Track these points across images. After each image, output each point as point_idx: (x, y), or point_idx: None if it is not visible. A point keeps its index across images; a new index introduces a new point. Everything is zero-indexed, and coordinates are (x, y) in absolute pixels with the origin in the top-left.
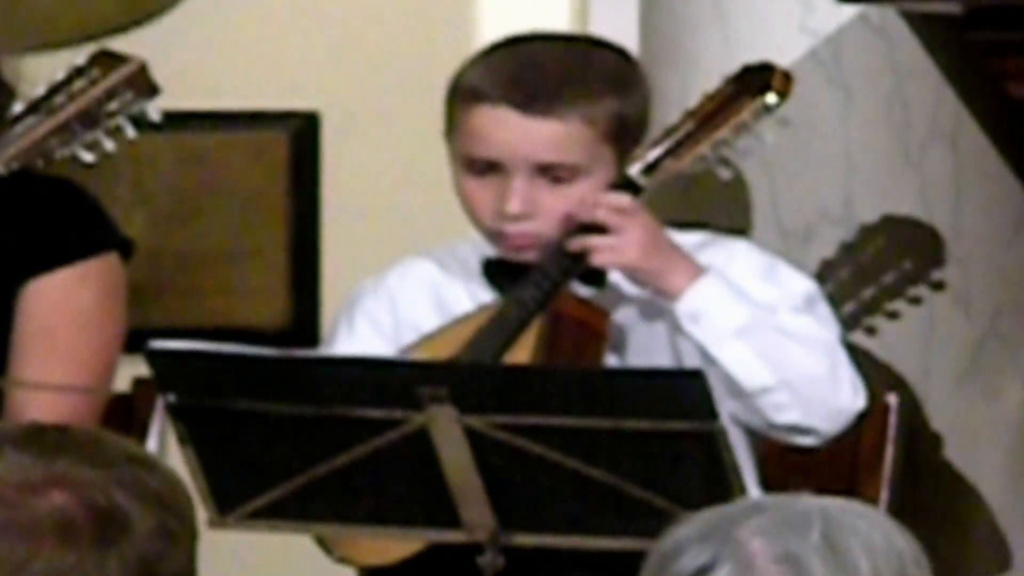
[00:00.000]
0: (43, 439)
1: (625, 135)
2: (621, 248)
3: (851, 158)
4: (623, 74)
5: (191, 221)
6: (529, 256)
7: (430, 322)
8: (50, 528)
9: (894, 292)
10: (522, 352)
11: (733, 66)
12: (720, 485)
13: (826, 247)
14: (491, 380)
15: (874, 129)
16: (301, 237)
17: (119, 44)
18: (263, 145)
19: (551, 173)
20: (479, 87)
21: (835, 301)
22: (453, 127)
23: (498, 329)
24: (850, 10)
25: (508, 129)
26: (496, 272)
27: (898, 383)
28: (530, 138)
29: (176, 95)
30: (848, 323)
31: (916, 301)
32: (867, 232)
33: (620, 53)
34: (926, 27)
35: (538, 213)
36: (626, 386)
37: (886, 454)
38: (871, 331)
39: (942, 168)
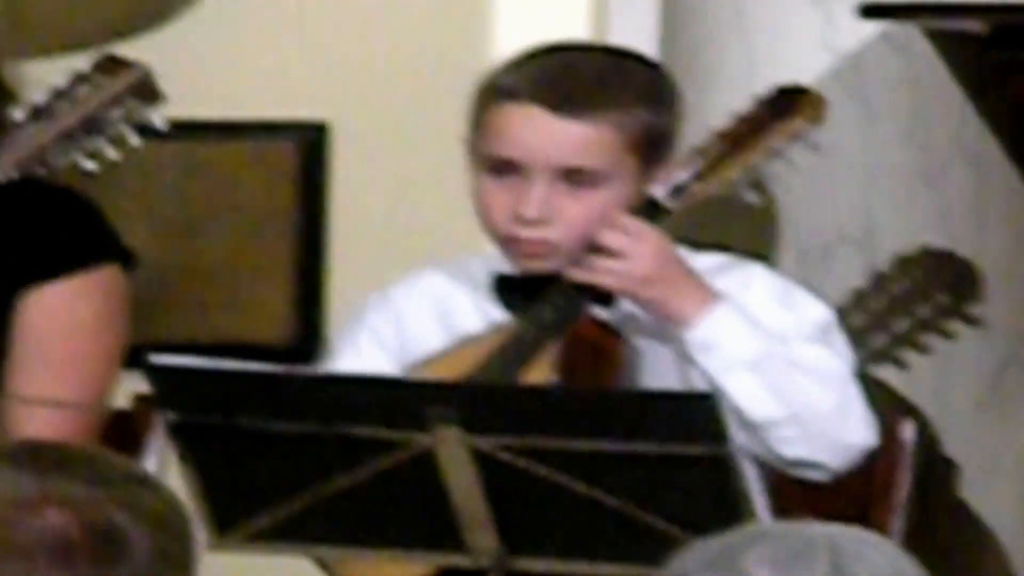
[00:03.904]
0: (40, 456)
1: (652, 149)
2: (625, 273)
3: (871, 177)
4: (658, 88)
5: (196, 233)
6: (541, 264)
7: (435, 338)
8: (46, 548)
9: (928, 326)
10: (537, 375)
11: (754, 82)
12: (729, 511)
13: (844, 268)
14: (498, 401)
15: (895, 148)
16: (308, 251)
17: (126, 51)
18: (271, 156)
19: (573, 178)
20: (509, 86)
21: (866, 332)
22: (477, 127)
23: (513, 351)
24: (872, 27)
25: (536, 128)
26: (506, 289)
27: (913, 409)
28: (557, 139)
29: (182, 104)
30: (878, 356)
31: (949, 335)
32: (903, 263)
33: (657, 68)
34: (949, 45)
35: (555, 219)
36: (635, 408)
37: (899, 482)
38: (900, 364)
39: (964, 189)
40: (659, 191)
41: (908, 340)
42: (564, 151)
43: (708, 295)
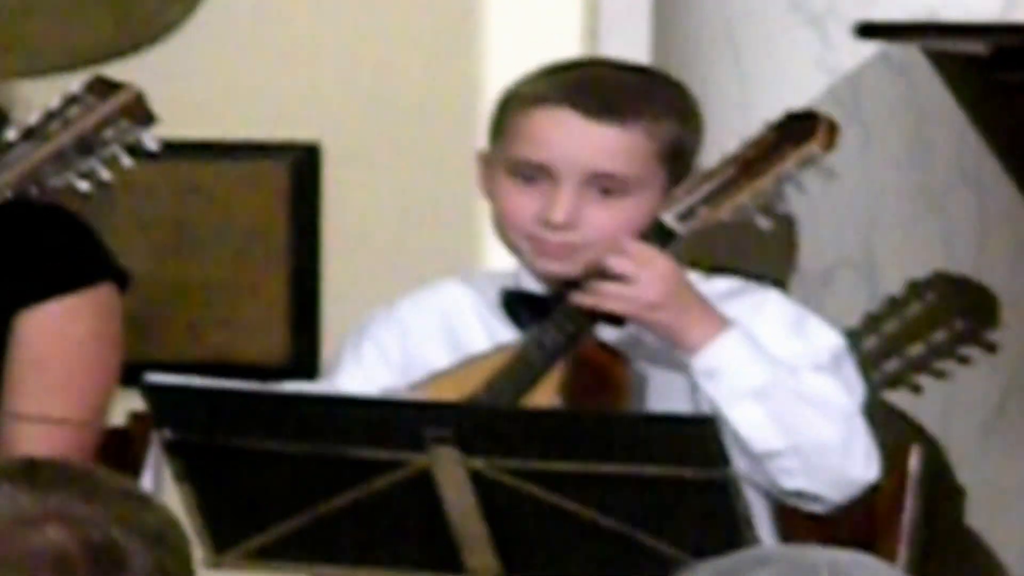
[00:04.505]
0: (39, 473)
1: (678, 163)
2: (633, 298)
3: (871, 200)
4: (686, 104)
5: (189, 253)
6: (560, 267)
7: (441, 355)
8: (45, 564)
9: (944, 351)
10: (541, 397)
11: (746, 102)
12: (730, 534)
13: (845, 292)
14: (496, 422)
15: (895, 170)
16: (301, 270)
17: (118, 71)
18: (263, 176)
19: (603, 184)
20: (540, 92)
21: (879, 356)
22: (502, 134)
23: (517, 372)
24: (870, 47)
25: (568, 132)
26: (515, 305)
27: (923, 434)
28: (589, 144)
29: (175, 124)
30: (893, 381)
31: (965, 361)
32: (916, 287)
33: (681, 85)
34: (949, 66)
35: (581, 225)
36: (633, 431)
37: (905, 508)
38: (916, 390)
39: (966, 211)
40: (668, 215)
41: (923, 365)
42: (595, 156)
43: (716, 321)
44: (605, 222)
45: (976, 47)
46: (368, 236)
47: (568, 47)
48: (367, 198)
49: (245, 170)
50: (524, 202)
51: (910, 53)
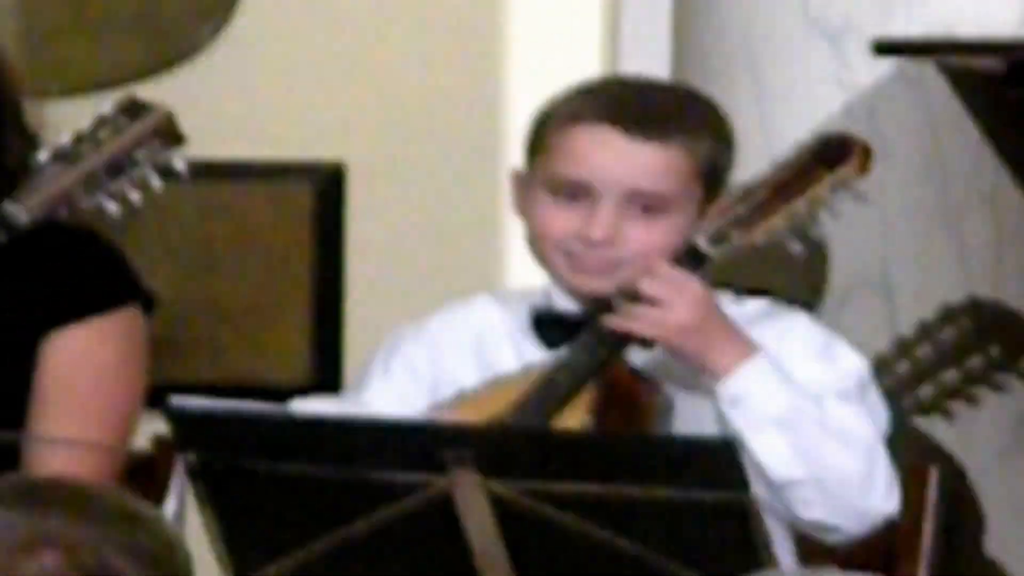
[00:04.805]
0: (34, 496)
1: (714, 181)
2: (662, 322)
3: (888, 218)
4: (720, 122)
5: (214, 274)
6: (598, 283)
7: (470, 374)
8: None
9: (978, 378)
10: (571, 421)
11: (765, 120)
12: (749, 558)
13: (862, 313)
14: (516, 444)
15: (911, 187)
16: (325, 291)
17: (145, 93)
18: (288, 197)
19: (642, 201)
20: (580, 109)
21: (912, 382)
22: (540, 151)
23: (546, 395)
24: (887, 64)
25: (609, 150)
26: (545, 324)
27: (946, 457)
28: (629, 161)
29: (200, 145)
30: (926, 407)
31: (999, 388)
32: (950, 313)
33: (716, 106)
34: (964, 83)
35: (620, 242)
36: (654, 454)
37: (924, 531)
38: (947, 415)
39: (981, 229)
40: (701, 238)
41: (957, 392)
42: (635, 174)
43: (743, 348)
44: (644, 239)
45: (991, 64)
46: (392, 256)
47: (589, 66)
48: (391, 218)
49: (270, 191)
50: (563, 219)
51: (926, 70)
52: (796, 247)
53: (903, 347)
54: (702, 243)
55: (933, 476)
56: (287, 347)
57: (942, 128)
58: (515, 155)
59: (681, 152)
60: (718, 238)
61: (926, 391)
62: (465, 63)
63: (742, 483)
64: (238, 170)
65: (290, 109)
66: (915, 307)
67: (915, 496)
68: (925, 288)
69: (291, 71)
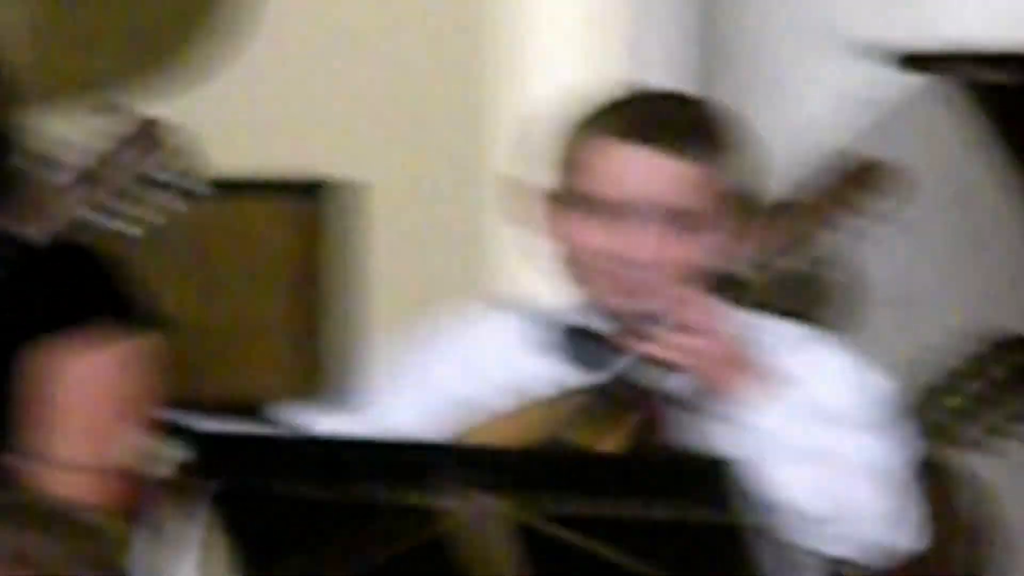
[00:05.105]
0: (10, 514)
1: (744, 197)
2: (696, 351)
3: (909, 235)
4: (746, 137)
5: (228, 294)
6: (636, 303)
7: (491, 385)
8: None
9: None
10: (611, 445)
11: (790, 135)
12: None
13: (882, 329)
14: (528, 466)
15: (933, 207)
16: (339, 310)
17: (158, 112)
18: (301, 215)
19: (677, 220)
20: (612, 128)
21: (961, 417)
22: (571, 169)
23: (578, 421)
24: (908, 78)
25: (645, 169)
26: (575, 341)
27: (975, 480)
28: (665, 180)
29: (215, 163)
30: (972, 442)
31: None
32: (1000, 347)
33: (740, 121)
34: (984, 96)
35: (660, 262)
36: (654, 472)
37: (953, 557)
38: (997, 453)
39: (1007, 247)
40: (736, 264)
41: (1006, 431)
42: (671, 192)
43: (774, 382)
44: (680, 257)
45: (1006, 77)
46: (399, 273)
47: (576, 75)
48: (397, 235)
49: (281, 208)
50: (601, 239)
51: (947, 83)
52: (828, 272)
53: (952, 380)
54: (737, 269)
55: (964, 499)
56: (300, 366)
57: (967, 143)
58: (500, 169)
59: (714, 169)
60: (752, 264)
61: (974, 427)
62: (482, 85)
63: (737, 502)
64: (241, 188)
65: (303, 128)
66: (937, 320)
67: (945, 519)
68: (946, 304)
69: (305, 90)
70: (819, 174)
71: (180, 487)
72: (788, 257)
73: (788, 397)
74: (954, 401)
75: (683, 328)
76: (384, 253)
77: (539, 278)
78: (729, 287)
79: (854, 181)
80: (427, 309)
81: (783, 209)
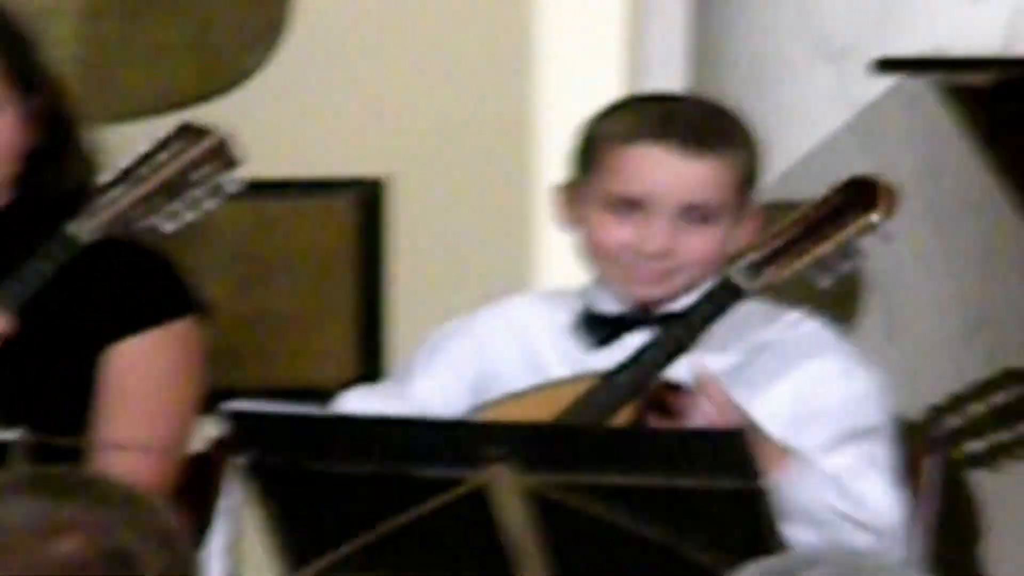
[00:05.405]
0: (50, 483)
1: (751, 189)
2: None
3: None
4: (753, 134)
5: (263, 285)
6: (656, 291)
7: (513, 372)
8: (64, 573)
9: None
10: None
11: (772, 134)
12: (758, 545)
13: (860, 314)
14: (547, 440)
15: (907, 199)
16: (367, 300)
17: (196, 115)
18: (331, 211)
19: (695, 213)
20: (632, 128)
21: (963, 435)
22: (593, 168)
23: (593, 408)
24: (885, 82)
25: (663, 168)
26: (589, 325)
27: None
28: (683, 177)
29: (248, 163)
30: (977, 460)
31: None
32: (1009, 373)
33: (746, 120)
34: (956, 98)
35: (675, 252)
36: (669, 445)
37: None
38: (1001, 470)
39: (973, 238)
40: (736, 272)
41: (1008, 452)
42: (689, 188)
43: (779, 454)
44: (697, 248)
45: (980, 79)
46: (431, 267)
47: (612, 86)
48: (430, 231)
49: (314, 206)
50: (619, 233)
51: (921, 87)
52: (824, 282)
53: (955, 401)
54: (737, 277)
55: (927, 466)
56: (333, 352)
57: (937, 141)
58: (543, 167)
59: (727, 165)
60: (752, 273)
61: (978, 447)
62: (500, 81)
63: (750, 470)
64: (284, 187)
65: (333, 128)
66: (911, 310)
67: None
68: (918, 292)
69: (333, 91)
70: (822, 194)
71: (218, 463)
72: (785, 269)
73: (791, 467)
74: (957, 421)
75: (699, 414)
76: (422, 246)
77: (579, 273)
78: (727, 292)
79: (851, 199)
80: (473, 301)
81: (785, 225)
